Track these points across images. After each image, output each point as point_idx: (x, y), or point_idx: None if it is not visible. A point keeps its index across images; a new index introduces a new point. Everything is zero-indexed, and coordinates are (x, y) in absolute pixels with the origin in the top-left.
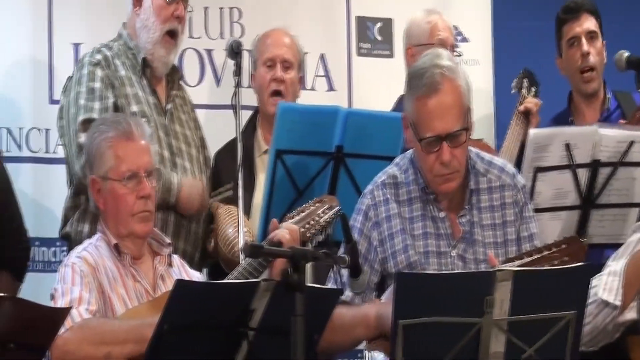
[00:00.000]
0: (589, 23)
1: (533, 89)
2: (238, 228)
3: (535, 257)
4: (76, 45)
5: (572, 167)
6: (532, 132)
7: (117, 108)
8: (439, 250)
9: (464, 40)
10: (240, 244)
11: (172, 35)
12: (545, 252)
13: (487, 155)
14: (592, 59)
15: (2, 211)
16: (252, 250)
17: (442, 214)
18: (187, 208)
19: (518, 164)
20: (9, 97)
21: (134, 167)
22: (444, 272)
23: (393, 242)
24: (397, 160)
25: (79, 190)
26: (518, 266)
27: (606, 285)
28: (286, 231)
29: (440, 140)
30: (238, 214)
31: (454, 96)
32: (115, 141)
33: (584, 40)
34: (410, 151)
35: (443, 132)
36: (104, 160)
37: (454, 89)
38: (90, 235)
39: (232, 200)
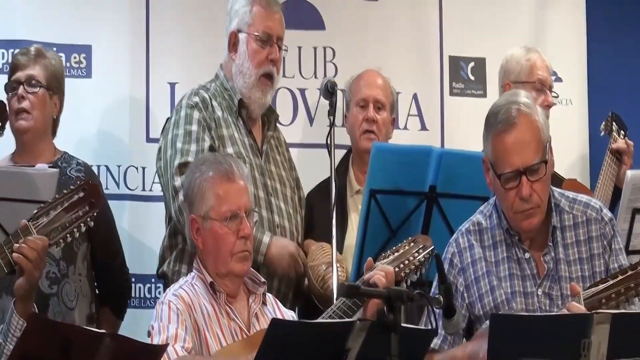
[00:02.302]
0: None
1: (622, 132)
2: (331, 265)
3: (620, 278)
4: (172, 85)
5: None
6: (630, 172)
7: (213, 150)
8: (525, 290)
9: (558, 79)
10: (334, 283)
11: (268, 77)
12: (630, 272)
13: (571, 194)
14: None
15: (106, 246)
16: (348, 290)
17: (527, 255)
18: (275, 269)
19: (612, 204)
20: (108, 136)
21: (234, 207)
22: (540, 313)
23: (479, 285)
24: (481, 208)
25: (175, 230)
26: (602, 289)
27: None
28: (382, 274)
29: (519, 174)
30: (332, 253)
31: (530, 130)
32: (216, 181)
33: None
34: (493, 198)
35: (522, 166)
36: (205, 200)
37: (530, 123)
38: (187, 275)
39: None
